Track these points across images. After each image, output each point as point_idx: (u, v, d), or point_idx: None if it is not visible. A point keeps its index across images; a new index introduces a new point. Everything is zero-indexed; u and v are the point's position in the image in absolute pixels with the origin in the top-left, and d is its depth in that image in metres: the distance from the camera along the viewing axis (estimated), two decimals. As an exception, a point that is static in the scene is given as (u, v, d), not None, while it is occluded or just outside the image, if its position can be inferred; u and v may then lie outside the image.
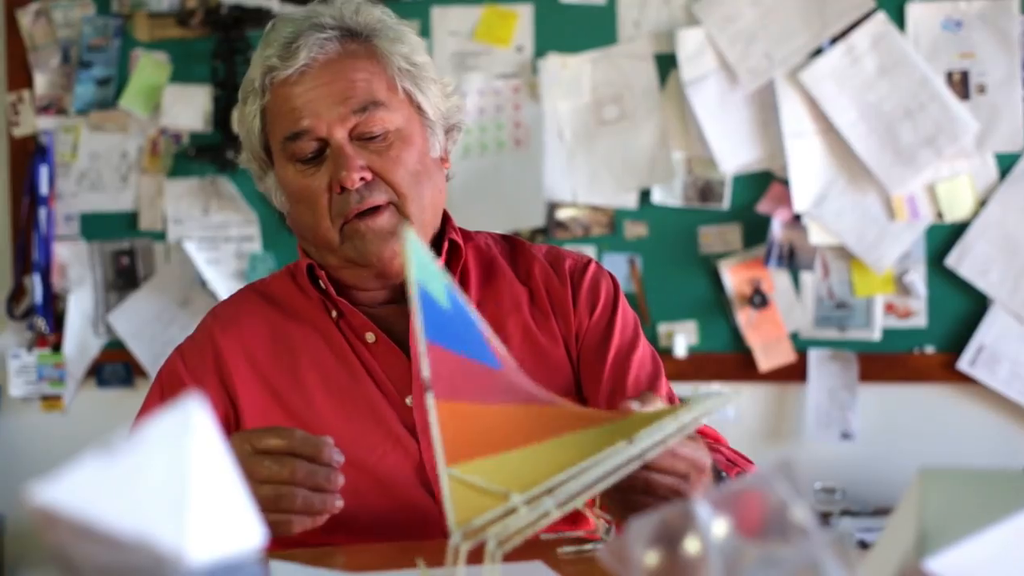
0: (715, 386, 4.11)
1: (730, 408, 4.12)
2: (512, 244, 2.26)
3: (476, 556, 1.25)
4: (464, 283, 2.13)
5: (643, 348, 2.17)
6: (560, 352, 2.12)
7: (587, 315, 2.15)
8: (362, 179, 1.98)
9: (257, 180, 2.19)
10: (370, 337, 2.07)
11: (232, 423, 2.07)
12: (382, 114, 2.01)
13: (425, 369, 1.31)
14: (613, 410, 1.53)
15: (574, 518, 1.79)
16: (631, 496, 1.58)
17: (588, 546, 1.67)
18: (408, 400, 2.04)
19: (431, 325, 1.33)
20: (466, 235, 2.19)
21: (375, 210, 1.99)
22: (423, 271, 1.34)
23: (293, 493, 1.61)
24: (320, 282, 2.09)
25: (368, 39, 2.06)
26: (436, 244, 2.12)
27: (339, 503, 1.64)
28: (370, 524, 1.96)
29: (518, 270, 2.19)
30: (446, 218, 2.16)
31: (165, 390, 2.11)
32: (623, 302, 2.20)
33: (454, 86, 2.20)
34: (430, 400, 1.31)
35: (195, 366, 2.11)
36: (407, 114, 2.06)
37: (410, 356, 2.05)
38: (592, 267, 2.21)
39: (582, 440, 1.40)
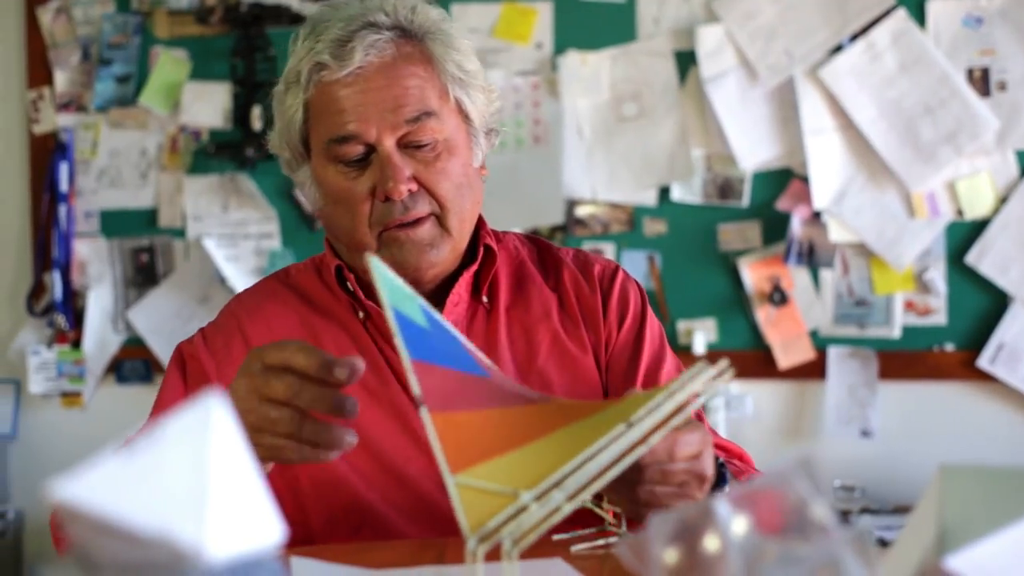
0: (733, 383, 4.11)
1: (749, 405, 4.12)
2: (539, 247, 2.24)
3: (496, 555, 1.26)
4: (494, 289, 2.11)
5: (670, 360, 2.17)
6: (589, 361, 2.11)
7: (616, 325, 2.14)
8: (408, 190, 1.94)
9: (287, 167, 2.13)
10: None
11: None
12: (433, 124, 1.97)
13: (415, 386, 1.33)
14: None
15: (587, 518, 1.78)
16: (640, 488, 1.57)
17: (600, 541, 1.67)
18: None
19: (412, 344, 1.37)
20: (496, 237, 2.17)
21: (416, 220, 1.96)
22: (395, 295, 1.39)
23: (290, 418, 1.50)
24: (348, 284, 2.06)
25: (422, 41, 2.01)
26: (471, 249, 2.10)
27: (351, 439, 1.51)
28: (396, 524, 1.96)
29: (547, 275, 2.18)
30: (480, 222, 2.12)
31: (188, 376, 2.07)
32: (650, 312, 2.20)
33: (498, 92, 2.15)
34: (425, 414, 1.33)
35: (217, 350, 2.07)
36: (455, 123, 2.02)
37: None
38: (621, 274, 2.20)
39: (581, 431, 1.41)
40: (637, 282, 2.23)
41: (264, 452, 1.49)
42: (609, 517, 1.71)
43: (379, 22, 1.97)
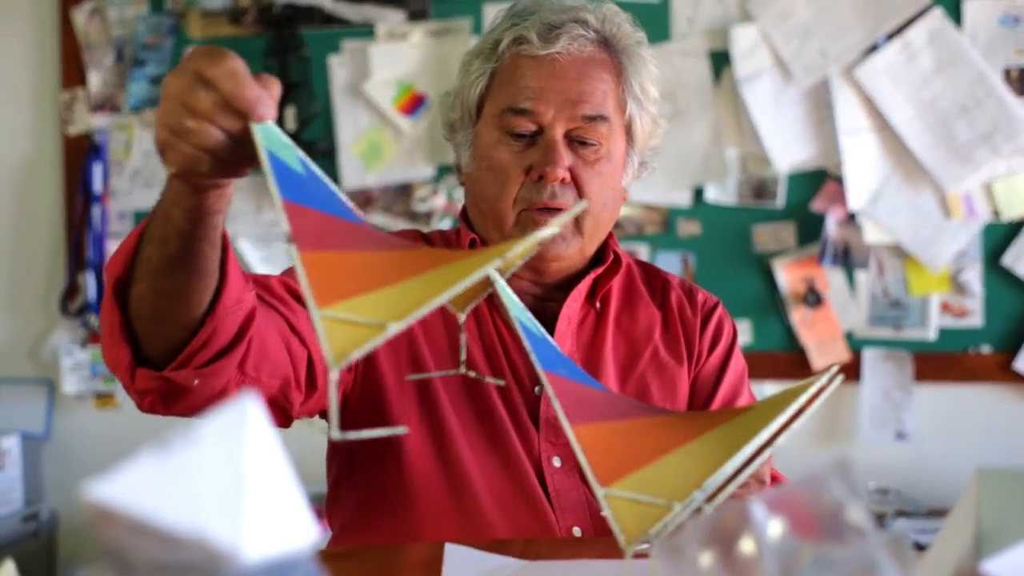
0: (766, 385, 4.10)
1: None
2: (646, 268, 2.35)
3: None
4: (606, 298, 2.20)
5: (746, 397, 2.26)
6: (683, 372, 2.20)
7: (708, 348, 2.25)
8: (562, 178, 2.01)
9: (447, 131, 2.22)
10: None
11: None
12: (604, 129, 2.06)
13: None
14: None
15: None
16: None
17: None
18: (537, 390, 2.09)
19: (540, 354, 1.39)
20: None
21: (557, 209, 2.02)
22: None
23: (205, 132, 1.39)
24: None
25: (618, 54, 2.11)
26: (598, 256, 2.18)
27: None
28: (487, 510, 2.01)
29: (654, 295, 2.28)
30: (610, 235, 2.20)
31: None
32: (738, 350, 2.30)
33: (663, 130, 2.24)
34: (568, 428, 1.33)
35: None
36: (621, 137, 2.11)
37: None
38: (720, 307, 2.31)
39: (712, 442, 1.39)
40: (733, 321, 2.34)
41: (176, 158, 1.43)
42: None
43: (589, 21, 2.08)
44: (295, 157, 1.39)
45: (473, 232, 2.15)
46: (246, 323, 1.69)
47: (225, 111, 1.37)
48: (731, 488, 1.34)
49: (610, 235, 2.20)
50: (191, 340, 1.62)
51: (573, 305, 2.13)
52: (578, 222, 2.05)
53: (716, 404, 2.19)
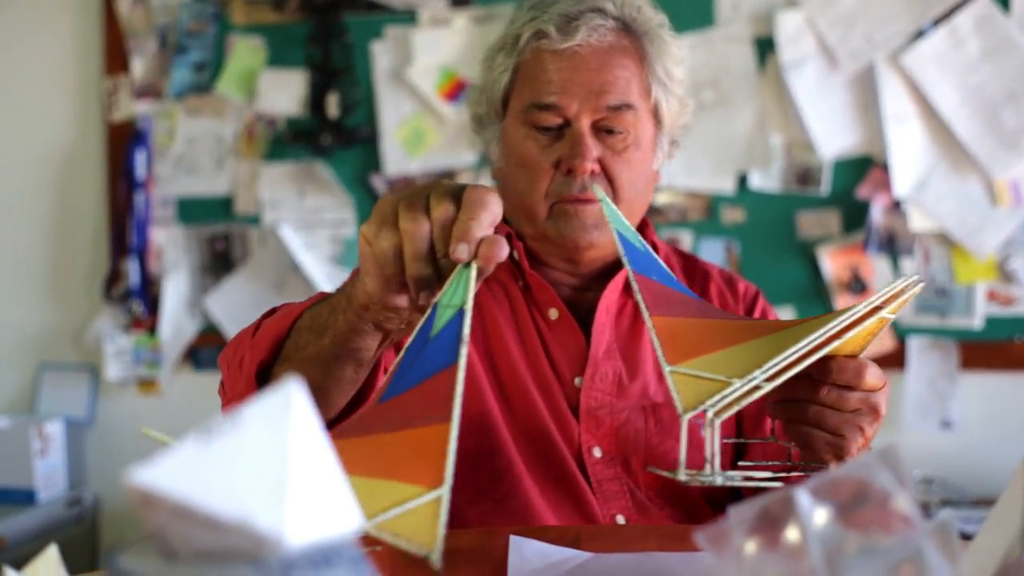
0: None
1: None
2: (686, 258, 2.36)
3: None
4: None
5: None
6: None
7: None
8: (591, 170, 2.02)
9: (476, 125, 2.25)
10: (553, 314, 2.13)
11: None
12: (630, 117, 2.06)
13: (638, 294, 1.47)
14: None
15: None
16: (803, 428, 1.59)
17: (782, 473, 1.60)
18: (577, 381, 2.09)
19: (632, 260, 1.53)
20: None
21: (588, 200, 2.04)
22: (619, 223, 1.57)
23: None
24: (514, 252, 2.14)
25: (640, 38, 2.11)
26: None
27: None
28: (535, 496, 2.01)
29: (694, 284, 2.29)
30: (645, 222, 2.22)
31: None
32: None
33: (691, 107, 2.25)
34: (647, 317, 1.45)
35: None
36: (648, 122, 2.11)
37: (589, 338, 2.10)
38: (762, 297, 2.36)
39: (781, 338, 1.44)
40: (775, 311, 2.35)
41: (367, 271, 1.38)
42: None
43: (607, 9, 2.08)
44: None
45: (508, 225, 2.16)
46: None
47: (446, 231, 1.32)
48: (793, 372, 1.37)
49: (647, 225, 2.22)
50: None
51: (611, 296, 2.14)
52: None
53: None
